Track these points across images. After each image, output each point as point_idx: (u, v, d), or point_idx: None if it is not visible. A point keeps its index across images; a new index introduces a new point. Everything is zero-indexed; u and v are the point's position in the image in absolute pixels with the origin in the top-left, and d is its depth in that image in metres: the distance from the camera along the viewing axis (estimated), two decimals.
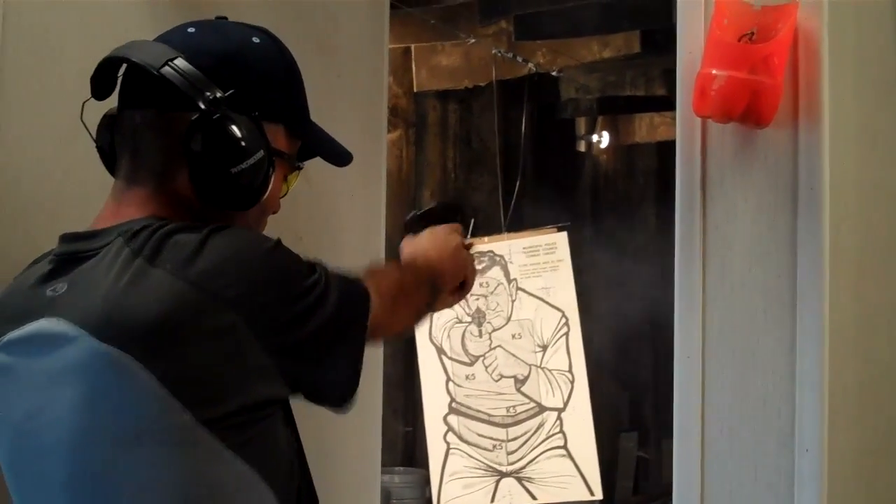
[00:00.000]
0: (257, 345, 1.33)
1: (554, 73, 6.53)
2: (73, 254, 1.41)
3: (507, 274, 4.87)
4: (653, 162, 8.57)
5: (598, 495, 4.79)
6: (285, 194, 1.56)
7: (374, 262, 1.69)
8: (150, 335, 1.29)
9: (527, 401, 4.81)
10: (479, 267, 1.90)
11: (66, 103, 1.49)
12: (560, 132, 7.87)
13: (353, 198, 2.48)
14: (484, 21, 5.52)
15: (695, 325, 1.80)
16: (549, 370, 4.81)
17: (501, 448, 4.81)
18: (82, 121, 1.48)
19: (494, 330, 4.88)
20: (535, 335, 4.86)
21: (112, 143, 1.49)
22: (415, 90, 6.49)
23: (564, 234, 4.85)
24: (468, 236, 1.91)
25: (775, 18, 1.71)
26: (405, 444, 6.32)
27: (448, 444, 4.85)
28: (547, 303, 4.85)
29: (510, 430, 4.83)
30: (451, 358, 4.88)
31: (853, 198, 1.81)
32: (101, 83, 1.47)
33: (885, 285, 1.93)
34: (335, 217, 2.43)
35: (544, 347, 4.83)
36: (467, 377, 4.88)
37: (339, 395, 1.46)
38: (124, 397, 1.29)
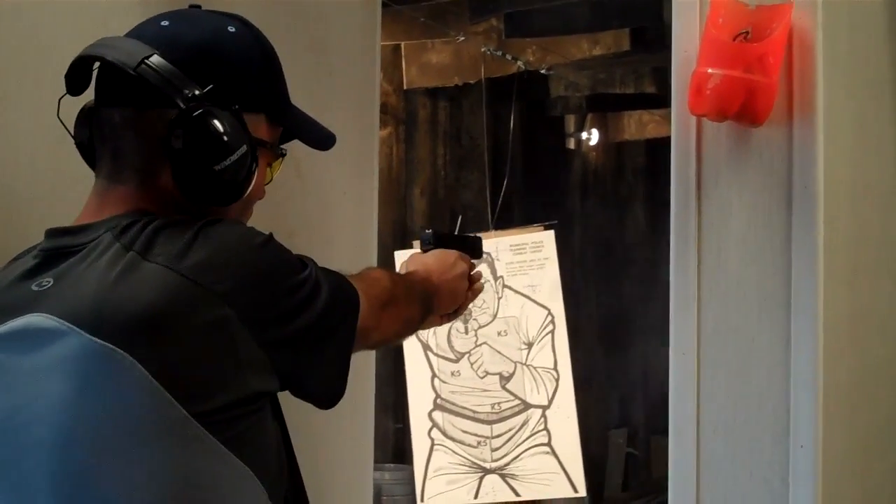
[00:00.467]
0: (250, 338, 1.33)
1: (543, 71, 6.53)
2: (59, 249, 1.39)
3: (493, 271, 4.88)
4: (641, 159, 8.59)
5: (582, 492, 4.80)
6: (270, 181, 1.55)
7: (367, 267, 1.69)
8: (143, 329, 1.28)
9: (511, 398, 4.82)
10: (479, 297, 1.94)
11: (56, 101, 1.48)
12: (549, 130, 7.88)
13: (346, 194, 2.48)
14: (474, 18, 5.52)
15: (690, 321, 1.81)
16: (535, 368, 4.82)
17: (486, 445, 4.82)
18: (59, 118, 1.46)
19: (480, 327, 4.88)
20: (520, 333, 4.86)
21: (91, 137, 1.48)
22: (405, 87, 6.49)
23: (551, 233, 4.86)
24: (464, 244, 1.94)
25: (770, 18, 1.71)
26: (395, 441, 6.33)
27: (433, 440, 4.85)
28: (533, 300, 4.86)
29: (495, 426, 4.83)
30: (436, 354, 4.89)
31: (847, 196, 1.82)
32: (75, 80, 1.46)
33: (879, 283, 1.94)
34: (327, 213, 2.43)
35: (530, 345, 4.84)
36: (453, 374, 4.89)
37: (326, 392, 1.46)
38: (116, 392, 1.28)
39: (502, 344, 4.88)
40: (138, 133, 1.42)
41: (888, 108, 1.95)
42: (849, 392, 1.82)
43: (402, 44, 6.21)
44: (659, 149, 7.56)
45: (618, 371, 8.19)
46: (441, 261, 1.84)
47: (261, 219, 1.55)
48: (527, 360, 4.84)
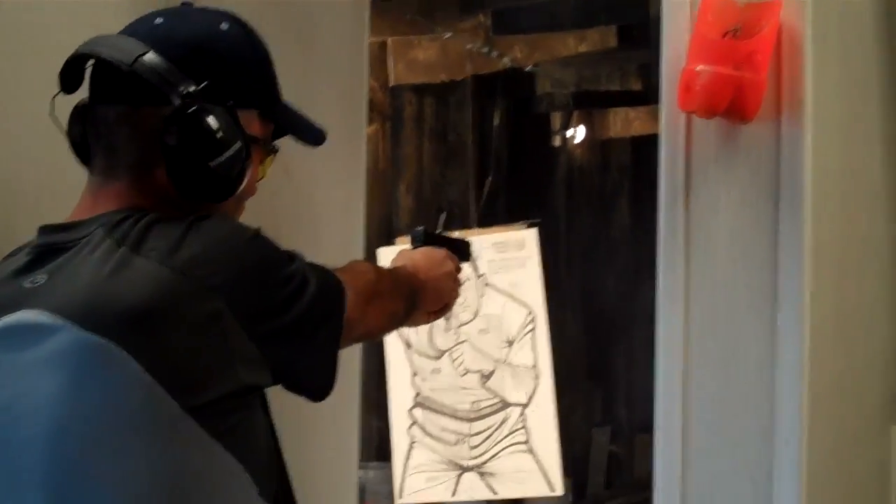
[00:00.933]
0: (242, 331, 1.34)
1: (529, 69, 6.53)
2: (52, 245, 1.40)
3: (475, 269, 4.88)
4: (627, 157, 8.59)
5: (559, 492, 4.80)
6: (262, 178, 1.56)
7: (353, 261, 1.70)
8: (136, 323, 1.29)
9: (491, 396, 4.82)
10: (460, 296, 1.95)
11: (49, 99, 1.48)
12: (535, 127, 7.88)
13: (334, 191, 2.49)
14: (462, 15, 5.53)
15: (677, 318, 1.81)
16: (515, 366, 4.82)
17: (464, 442, 4.81)
18: (52, 116, 1.46)
19: (462, 325, 4.88)
20: (501, 331, 4.86)
21: (84, 134, 1.48)
22: (391, 84, 6.48)
23: (534, 231, 4.85)
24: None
25: (759, 15, 1.72)
26: (379, 439, 6.33)
27: (412, 437, 4.85)
28: (514, 299, 4.86)
29: (474, 424, 4.83)
30: (417, 351, 4.88)
31: (835, 193, 1.83)
32: (69, 77, 1.46)
33: (866, 280, 1.95)
34: (315, 209, 2.44)
35: (510, 343, 4.83)
36: (433, 371, 4.89)
37: (317, 383, 1.47)
38: (109, 386, 1.29)
39: (483, 342, 4.88)
40: (133, 130, 1.43)
41: (877, 105, 1.96)
42: (834, 389, 1.82)
43: (389, 40, 6.20)
44: (645, 146, 7.57)
45: (602, 369, 8.19)
46: (429, 258, 1.84)
47: (249, 215, 1.55)
48: (507, 358, 4.84)
